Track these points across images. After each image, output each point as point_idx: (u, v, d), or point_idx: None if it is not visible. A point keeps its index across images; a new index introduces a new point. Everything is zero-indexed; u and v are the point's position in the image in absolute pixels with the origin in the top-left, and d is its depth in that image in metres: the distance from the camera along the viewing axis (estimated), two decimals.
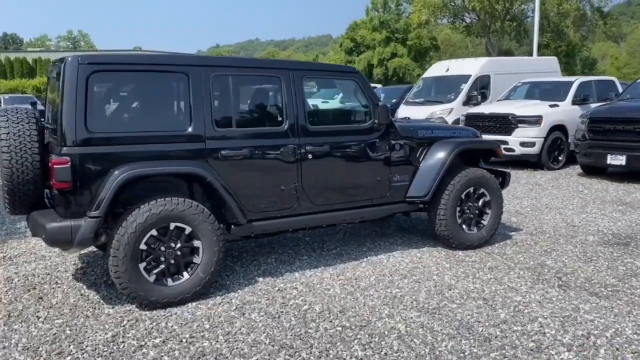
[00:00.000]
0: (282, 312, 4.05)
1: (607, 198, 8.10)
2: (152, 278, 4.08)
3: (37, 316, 3.99)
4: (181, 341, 3.60)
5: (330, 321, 3.87)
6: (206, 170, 4.25)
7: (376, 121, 5.09)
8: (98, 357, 3.40)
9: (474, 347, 3.48)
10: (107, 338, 3.63)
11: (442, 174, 5.30)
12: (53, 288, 4.57)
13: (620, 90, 12.62)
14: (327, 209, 4.94)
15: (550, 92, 11.76)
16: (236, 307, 4.13)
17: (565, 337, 3.58)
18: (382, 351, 3.44)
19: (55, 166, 3.83)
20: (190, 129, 4.28)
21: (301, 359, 3.36)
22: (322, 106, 5.17)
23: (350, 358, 3.36)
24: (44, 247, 5.54)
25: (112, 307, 4.15)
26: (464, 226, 5.51)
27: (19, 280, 4.77)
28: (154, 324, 3.85)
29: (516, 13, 52.41)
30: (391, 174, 5.26)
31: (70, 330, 3.75)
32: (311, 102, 4.82)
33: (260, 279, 4.74)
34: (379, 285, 4.57)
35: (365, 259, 5.26)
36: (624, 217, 6.89)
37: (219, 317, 3.97)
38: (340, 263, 5.17)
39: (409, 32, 54.39)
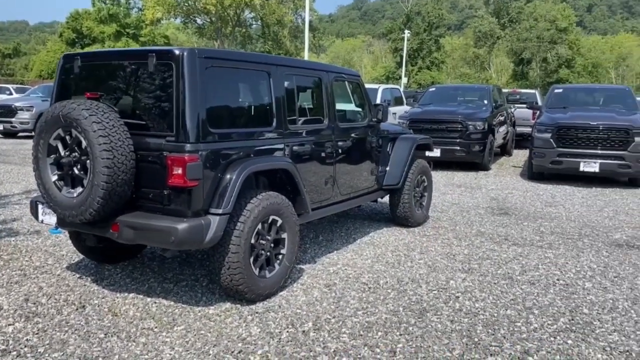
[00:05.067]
0: (367, 285, 4.61)
1: (446, 183, 10.25)
2: (257, 271, 4.18)
3: None
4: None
5: (421, 286, 4.63)
6: (291, 165, 4.49)
7: (374, 119, 5.88)
8: None
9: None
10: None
11: (408, 165, 6.36)
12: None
13: (403, 96, 15.49)
14: (347, 197, 5.56)
15: None
16: (322, 289, 4.52)
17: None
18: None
19: (188, 163, 3.66)
20: (274, 125, 4.45)
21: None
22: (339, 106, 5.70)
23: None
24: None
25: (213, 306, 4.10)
26: (415, 207, 6.68)
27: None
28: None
29: (242, 21, 56.03)
30: (377, 165, 6.11)
31: None
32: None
33: (302, 266, 5.09)
34: (403, 258, 5.42)
35: (357, 242, 5.99)
36: (479, 196, 9.00)
37: (317, 299, 4.33)
38: (343, 246, 5.80)
39: (141, 28, 52.89)
